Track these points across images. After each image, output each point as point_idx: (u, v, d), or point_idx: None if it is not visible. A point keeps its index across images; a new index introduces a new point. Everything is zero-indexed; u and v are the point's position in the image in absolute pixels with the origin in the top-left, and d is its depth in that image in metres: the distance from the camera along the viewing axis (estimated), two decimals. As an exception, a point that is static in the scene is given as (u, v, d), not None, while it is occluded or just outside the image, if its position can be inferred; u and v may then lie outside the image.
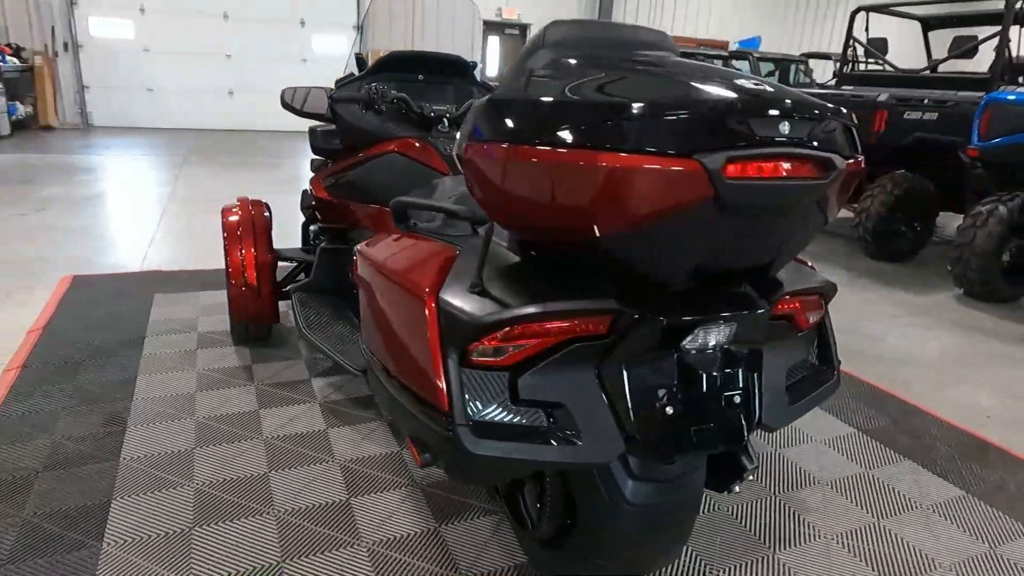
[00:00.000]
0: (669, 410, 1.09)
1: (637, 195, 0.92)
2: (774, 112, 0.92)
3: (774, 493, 1.79)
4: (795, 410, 1.26)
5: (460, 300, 1.07)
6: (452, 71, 2.31)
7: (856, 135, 1.06)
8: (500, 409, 1.09)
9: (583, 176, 0.93)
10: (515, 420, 1.09)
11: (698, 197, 0.91)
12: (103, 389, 2.15)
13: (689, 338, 1.09)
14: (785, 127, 0.93)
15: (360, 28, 11.02)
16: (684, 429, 1.10)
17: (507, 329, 1.04)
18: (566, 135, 0.95)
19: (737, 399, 1.13)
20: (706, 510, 1.70)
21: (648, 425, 1.09)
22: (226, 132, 10.35)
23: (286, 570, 1.42)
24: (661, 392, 1.10)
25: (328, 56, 11.18)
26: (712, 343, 1.11)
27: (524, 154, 0.98)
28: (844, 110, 1.01)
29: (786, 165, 0.94)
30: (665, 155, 0.90)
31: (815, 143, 0.96)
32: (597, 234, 0.99)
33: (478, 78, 2.38)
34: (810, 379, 1.35)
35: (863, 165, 1.07)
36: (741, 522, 1.67)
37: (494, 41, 12.27)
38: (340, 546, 1.51)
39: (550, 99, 0.99)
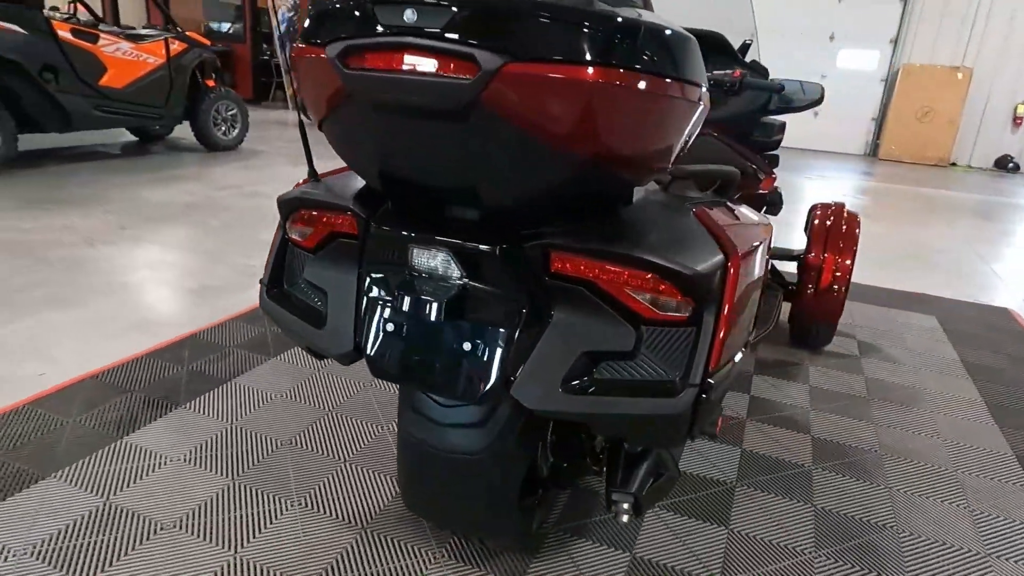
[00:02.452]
0: (389, 327, 1.10)
1: (307, 87, 1.00)
2: None
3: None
4: (569, 401, 1.00)
5: (296, 188, 1.24)
6: (710, 47, 2.16)
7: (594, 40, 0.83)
8: (298, 284, 1.29)
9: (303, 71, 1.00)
10: (299, 296, 1.27)
11: (334, 89, 0.94)
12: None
13: (411, 256, 1.07)
14: (410, 15, 0.85)
15: (894, 41, 10.72)
16: (405, 354, 1.08)
17: (295, 212, 1.22)
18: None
19: (467, 346, 1.05)
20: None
21: (371, 335, 1.12)
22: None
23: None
24: (386, 306, 1.11)
25: (851, 73, 10.96)
26: (433, 269, 1.06)
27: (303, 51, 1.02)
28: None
29: (414, 59, 0.86)
30: (314, 44, 0.95)
31: (457, 36, 0.83)
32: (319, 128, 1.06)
33: (746, 57, 2.23)
34: (628, 385, 1.01)
35: (591, 75, 0.82)
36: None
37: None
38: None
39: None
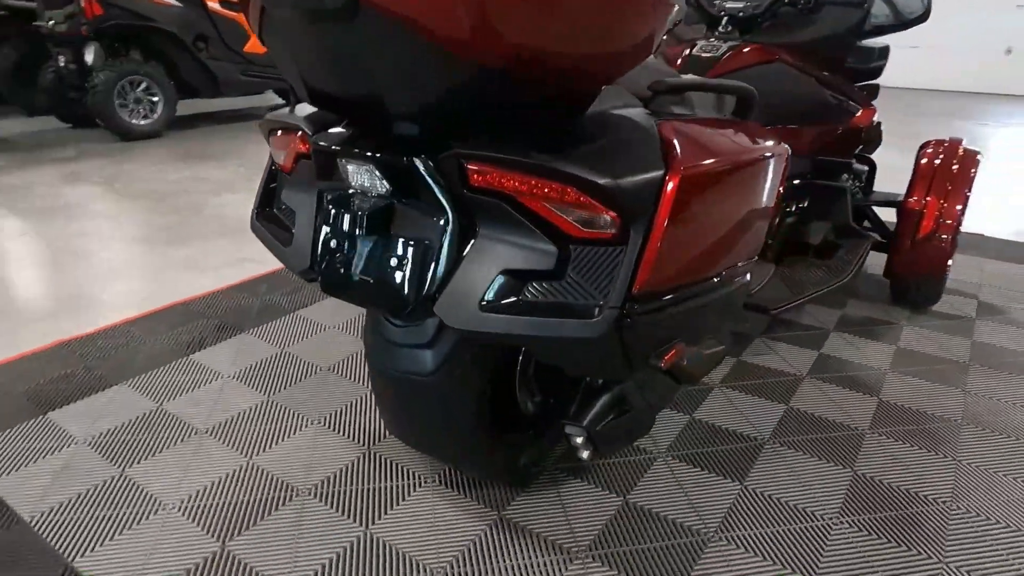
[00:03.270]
0: (332, 244, 1.11)
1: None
2: None
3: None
4: (487, 321, 0.95)
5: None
6: None
7: None
8: (279, 206, 1.33)
9: None
10: (279, 218, 1.32)
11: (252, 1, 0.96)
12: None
13: (344, 172, 1.08)
14: None
15: None
16: (343, 270, 1.10)
17: (272, 135, 1.27)
18: None
19: (393, 262, 1.04)
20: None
21: (319, 252, 1.14)
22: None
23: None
24: (328, 223, 1.11)
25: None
26: (364, 184, 1.07)
27: None
28: None
29: None
30: None
31: None
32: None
33: None
34: (545, 306, 0.95)
35: None
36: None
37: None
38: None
39: None
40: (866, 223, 2.55)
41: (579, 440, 1.17)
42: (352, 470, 1.52)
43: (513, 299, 0.97)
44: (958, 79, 10.12)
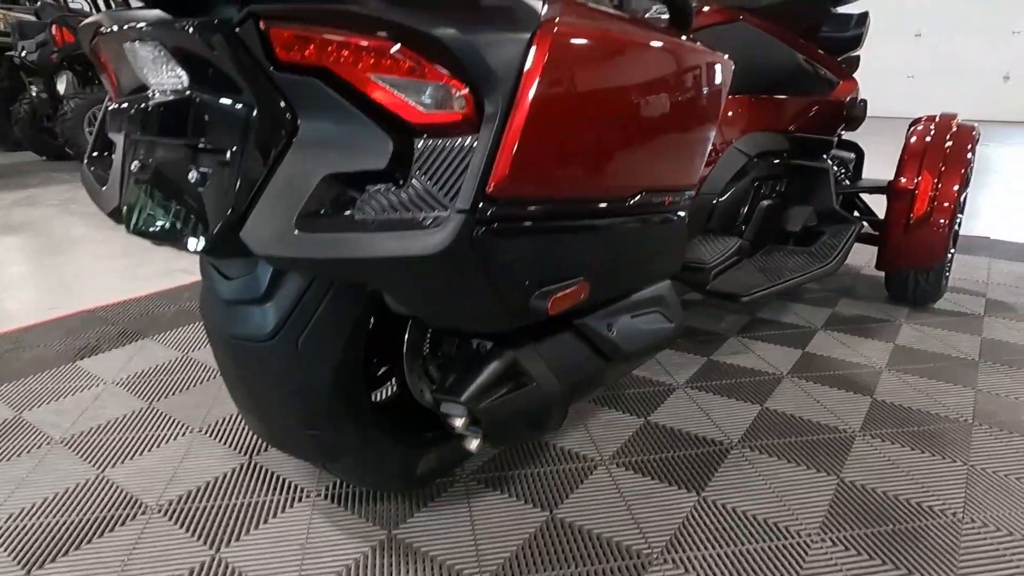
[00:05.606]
0: (134, 166, 0.87)
1: None
2: None
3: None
4: (303, 244, 0.71)
5: None
6: None
7: None
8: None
9: None
10: (105, 159, 1.06)
11: None
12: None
13: (135, 65, 0.83)
14: None
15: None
16: (144, 198, 0.85)
17: (91, 45, 1.01)
18: None
19: (193, 177, 0.78)
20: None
21: (121, 181, 0.91)
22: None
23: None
24: (125, 141, 0.89)
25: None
26: (159, 80, 0.82)
27: None
28: None
29: None
30: None
31: None
32: None
33: None
34: (377, 219, 0.72)
35: None
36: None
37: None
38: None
39: None
40: (855, 213, 2.30)
41: (458, 422, 0.90)
42: (222, 483, 1.24)
43: (340, 213, 0.72)
44: (957, 106, 9.98)
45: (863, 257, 2.61)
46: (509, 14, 0.70)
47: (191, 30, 0.72)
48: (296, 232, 0.72)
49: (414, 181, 0.71)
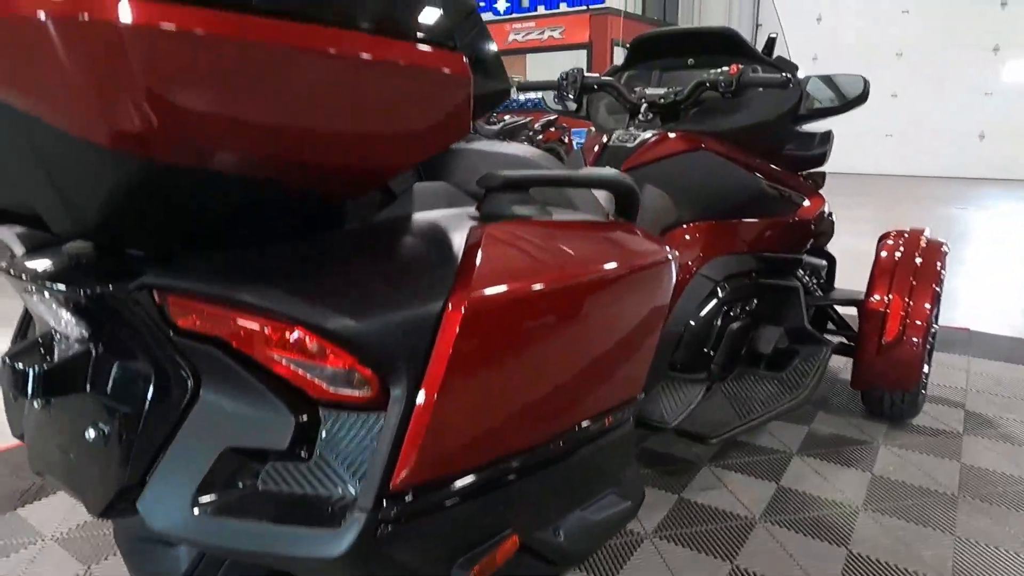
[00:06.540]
0: (35, 406, 0.83)
1: None
2: None
3: None
4: (200, 527, 0.65)
5: None
6: (721, 48, 1.89)
7: None
8: None
9: None
10: None
11: None
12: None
13: (41, 308, 0.79)
14: None
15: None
16: (45, 445, 0.82)
17: None
18: None
19: (91, 435, 0.73)
20: None
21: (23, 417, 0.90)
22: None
23: None
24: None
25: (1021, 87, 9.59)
26: (60, 327, 0.78)
27: None
28: None
29: None
30: None
31: None
32: None
33: (774, 53, 1.93)
34: (275, 507, 0.67)
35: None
36: None
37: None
38: None
39: None
40: (829, 325, 2.27)
41: None
42: None
43: (240, 495, 0.67)
44: (933, 165, 10.18)
45: (839, 361, 2.58)
46: (415, 291, 0.66)
47: (95, 294, 0.68)
48: (194, 512, 0.66)
49: (318, 460, 0.66)
